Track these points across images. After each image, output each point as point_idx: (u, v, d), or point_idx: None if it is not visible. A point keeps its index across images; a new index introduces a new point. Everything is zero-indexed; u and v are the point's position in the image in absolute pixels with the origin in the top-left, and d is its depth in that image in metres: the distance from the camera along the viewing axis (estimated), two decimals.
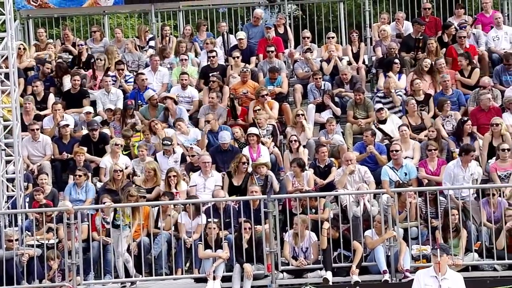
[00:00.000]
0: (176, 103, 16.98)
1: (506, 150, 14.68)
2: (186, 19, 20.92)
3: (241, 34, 18.72)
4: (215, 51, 18.29)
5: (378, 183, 14.76)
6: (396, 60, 17.29)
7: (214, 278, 13.28)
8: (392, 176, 14.66)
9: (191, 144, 16.12)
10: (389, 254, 13.32)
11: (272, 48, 18.06)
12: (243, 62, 18.13)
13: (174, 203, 14.21)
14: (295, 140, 15.55)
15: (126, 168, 15.59)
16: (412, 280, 11.31)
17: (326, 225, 13.36)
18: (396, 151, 14.82)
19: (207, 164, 15.09)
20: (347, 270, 13.32)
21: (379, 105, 16.56)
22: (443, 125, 15.92)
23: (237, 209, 14.03)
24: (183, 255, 13.74)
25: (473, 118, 15.91)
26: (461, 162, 14.48)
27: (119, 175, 15.00)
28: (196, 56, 18.86)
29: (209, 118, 16.27)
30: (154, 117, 16.68)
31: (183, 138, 16.28)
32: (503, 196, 13.96)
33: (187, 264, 13.85)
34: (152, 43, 19.46)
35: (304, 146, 15.75)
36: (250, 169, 15.07)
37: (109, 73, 18.04)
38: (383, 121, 16.13)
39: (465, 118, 15.69)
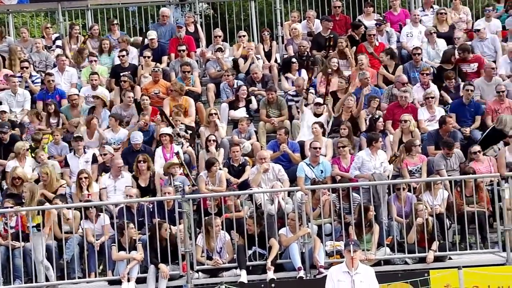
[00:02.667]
0: (105, 104, 16.63)
1: (416, 146, 14.95)
2: (95, 18, 20.56)
3: (152, 34, 18.52)
4: (126, 50, 18.05)
5: (292, 181, 14.82)
6: (294, 60, 17.42)
7: (128, 280, 13.15)
8: (308, 173, 14.72)
9: (115, 144, 15.83)
10: (304, 251, 13.41)
11: (184, 47, 17.95)
12: (154, 62, 17.95)
13: (88, 206, 13.87)
14: (213, 140, 15.44)
15: (33, 171, 15.20)
16: (326, 276, 11.44)
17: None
18: (315, 148, 14.87)
19: (120, 168, 14.86)
20: (262, 268, 13.35)
21: (291, 104, 16.63)
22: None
23: (151, 209, 13.88)
24: (96, 257, 13.51)
25: (390, 114, 16.08)
26: (370, 151, 14.74)
27: (17, 182, 14.59)
28: (109, 55, 18.54)
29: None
30: (77, 117, 16.35)
31: (110, 136, 15.99)
32: (412, 192, 14.24)
33: (101, 267, 13.66)
34: (59, 42, 19.04)
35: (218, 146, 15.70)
36: (157, 169, 14.89)
37: (11, 73, 17.54)
38: (319, 115, 16.16)
39: (377, 116, 15.90)
